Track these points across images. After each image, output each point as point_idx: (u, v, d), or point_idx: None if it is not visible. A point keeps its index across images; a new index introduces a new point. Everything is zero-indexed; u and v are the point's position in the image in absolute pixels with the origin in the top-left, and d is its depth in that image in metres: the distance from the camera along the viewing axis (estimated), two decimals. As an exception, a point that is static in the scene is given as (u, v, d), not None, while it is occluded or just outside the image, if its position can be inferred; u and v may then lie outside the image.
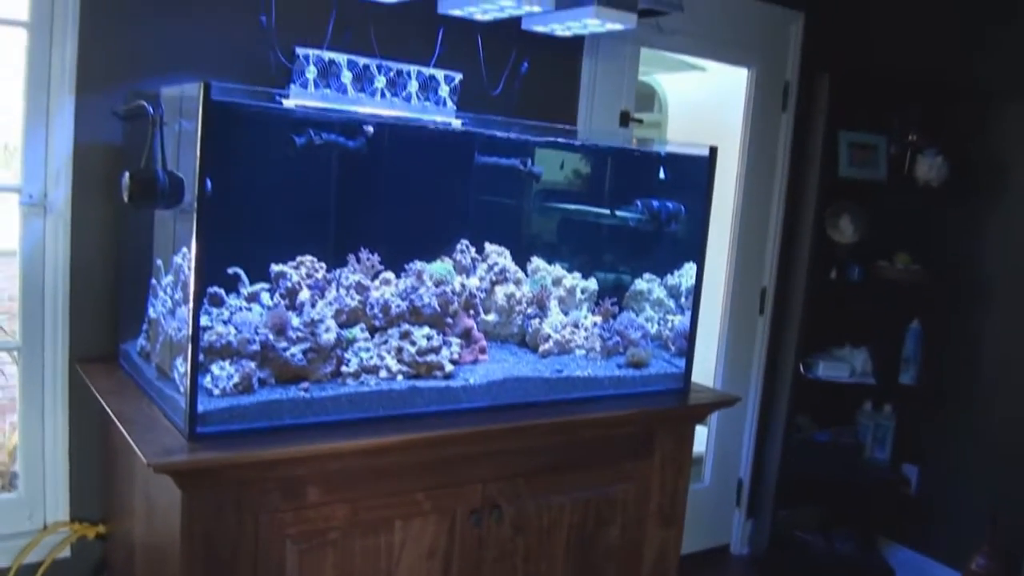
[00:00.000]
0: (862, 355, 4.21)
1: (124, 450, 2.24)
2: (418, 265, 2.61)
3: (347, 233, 2.68)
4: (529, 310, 2.78)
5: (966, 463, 3.99)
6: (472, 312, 2.61)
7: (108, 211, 2.52)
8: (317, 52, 2.55)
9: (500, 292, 2.76)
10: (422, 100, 2.74)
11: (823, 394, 4.23)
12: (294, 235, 2.56)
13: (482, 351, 2.55)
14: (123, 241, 2.54)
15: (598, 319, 2.83)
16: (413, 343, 2.34)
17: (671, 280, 3.04)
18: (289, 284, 2.39)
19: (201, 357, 2.00)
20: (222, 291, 2.29)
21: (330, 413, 2.13)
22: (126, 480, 2.35)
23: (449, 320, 2.50)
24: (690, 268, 2.91)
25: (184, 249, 2.07)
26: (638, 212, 3.09)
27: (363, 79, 2.63)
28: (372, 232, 2.69)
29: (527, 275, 2.90)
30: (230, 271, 2.36)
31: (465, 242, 2.83)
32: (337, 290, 2.42)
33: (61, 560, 2.58)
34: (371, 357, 2.29)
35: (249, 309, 2.29)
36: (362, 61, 2.61)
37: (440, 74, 2.76)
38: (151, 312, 2.31)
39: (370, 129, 2.65)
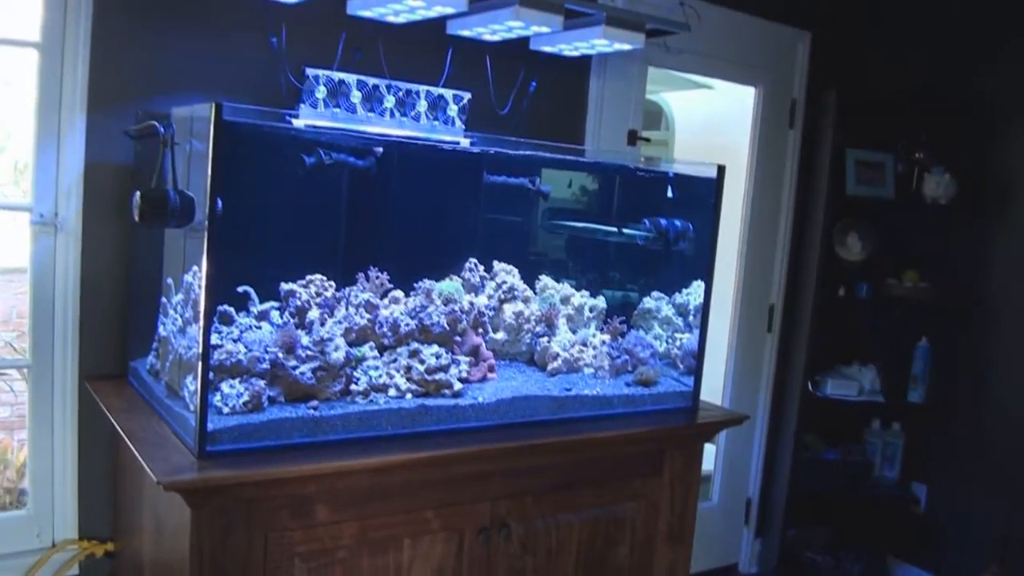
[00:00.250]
0: (870, 373, 4.20)
1: (133, 468, 2.24)
2: (427, 284, 2.61)
3: (356, 252, 2.69)
4: (537, 328, 2.78)
5: (975, 482, 3.97)
6: (481, 330, 2.61)
7: (118, 230, 2.53)
8: (327, 72, 2.57)
9: (509, 310, 2.76)
10: (431, 120, 2.75)
11: (831, 412, 4.21)
12: (304, 254, 2.56)
13: (491, 369, 2.56)
14: (133, 260, 2.55)
15: (606, 337, 2.83)
16: (422, 361, 2.34)
17: (679, 298, 3.05)
18: (299, 303, 2.40)
19: (211, 375, 2.00)
20: (232, 309, 2.29)
21: (339, 431, 2.14)
22: (135, 498, 2.36)
23: (458, 338, 2.50)
24: (698, 286, 2.92)
25: (194, 267, 2.08)
26: (646, 230, 3.10)
27: (372, 99, 2.64)
28: (381, 251, 2.69)
29: (535, 293, 2.90)
30: (240, 290, 2.37)
31: (474, 260, 2.83)
32: (346, 309, 2.43)
33: (69, 578, 2.59)
34: (380, 375, 2.29)
35: (259, 327, 2.30)
36: (371, 81, 2.62)
37: (449, 94, 2.78)
38: (161, 330, 2.32)
39: (379, 149, 2.66)
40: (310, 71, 2.55)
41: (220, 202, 1.91)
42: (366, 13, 2.61)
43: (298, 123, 2.49)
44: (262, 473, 1.93)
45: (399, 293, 2.58)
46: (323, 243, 2.69)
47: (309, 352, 2.20)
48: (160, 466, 1.87)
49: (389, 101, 2.67)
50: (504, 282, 2.80)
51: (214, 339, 2.09)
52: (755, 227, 4.10)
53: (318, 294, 2.45)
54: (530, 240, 3.20)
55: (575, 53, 2.99)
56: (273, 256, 2.53)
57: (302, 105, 2.55)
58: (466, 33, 2.81)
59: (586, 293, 2.97)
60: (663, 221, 3.07)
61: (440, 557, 2.27)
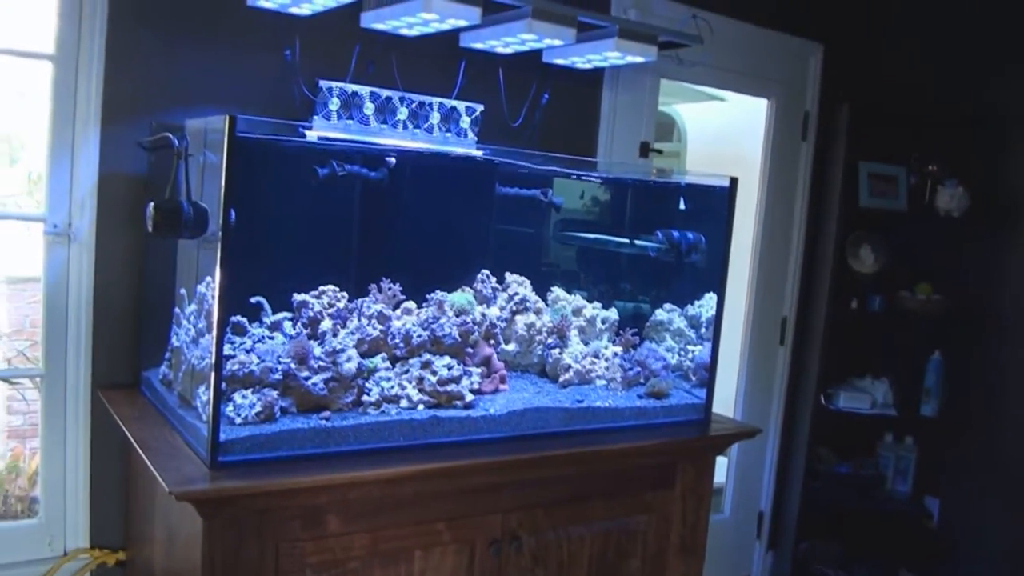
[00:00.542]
0: (883, 386, 4.19)
1: (145, 477, 2.24)
2: (439, 295, 2.62)
3: (369, 263, 2.70)
4: (549, 340, 2.78)
5: (988, 496, 3.95)
6: (492, 342, 2.61)
7: (132, 241, 2.54)
8: (340, 84, 2.58)
9: (520, 322, 2.76)
10: (443, 131, 2.76)
11: (844, 425, 4.20)
12: (316, 265, 2.57)
13: (502, 381, 2.56)
14: (146, 270, 2.56)
15: (618, 349, 2.83)
16: (434, 373, 2.35)
17: (691, 310, 3.04)
18: (311, 313, 2.40)
19: (223, 386, 2.01)
20: (245, 320, 2.30)
21: (351, 442, 2.14)
22: (147, 507, 2.36)
23: (469, 350, 2.50)
24: (711, 298, 2.91)
25: (208, 278, 2.08)
26: (658, 242, 3.10)
27: (385, 111, 2.65)
28: (394, 262, 2.70)
29: (547, 305, 2.90)
30: (253, 300, 2.37)
31: (486, 272, 2.84)
32: (359, 320, 2.43)
33: (81, 587, 2.59)
34: (392, 387, 2.29)
35: (271, 338, 2.30)
36: (385, 93, 2.63)
37: (461, 106, 2.79)
38: (174, 340, 2.33)
39: (392, 160, 2.67)
40: (324, 83, 2.57)
41: (233, 213, 1.92)
42: (380, 26, 2.62)
43: (311, 135, 2.50)
44: (274, 484, 1.93)
45: (411, 304, 2.59)
46: (336, 254, 2.70)
47: (321, 363, 2.21)
48: (172, 476, 1.87)
49: (402, 113, 2.68)
50: (516, 293, 2.81)
51: (227, 349, 2.09)
52: (767, 239, 4.09)
53: (331, 305, 2.46)
54: (542, 251, 3.20)
55: (587, 66, 2.99)
56: (286, 267, 2.54)
57: (315, 117, 2.56)
58: (479, 46, 2.82)
59: (598, 305, 2.97)
60: (675, 233, 3.07)
61: (451, 569, 2.27)
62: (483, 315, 2.64)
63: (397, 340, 2.41)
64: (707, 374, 2.79)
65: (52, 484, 2.55)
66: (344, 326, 2.41)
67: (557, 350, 2.75)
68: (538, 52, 2.94)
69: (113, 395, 2.47)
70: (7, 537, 2.53)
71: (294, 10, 2.55)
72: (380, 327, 2.41)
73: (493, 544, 2.31)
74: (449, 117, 2.78)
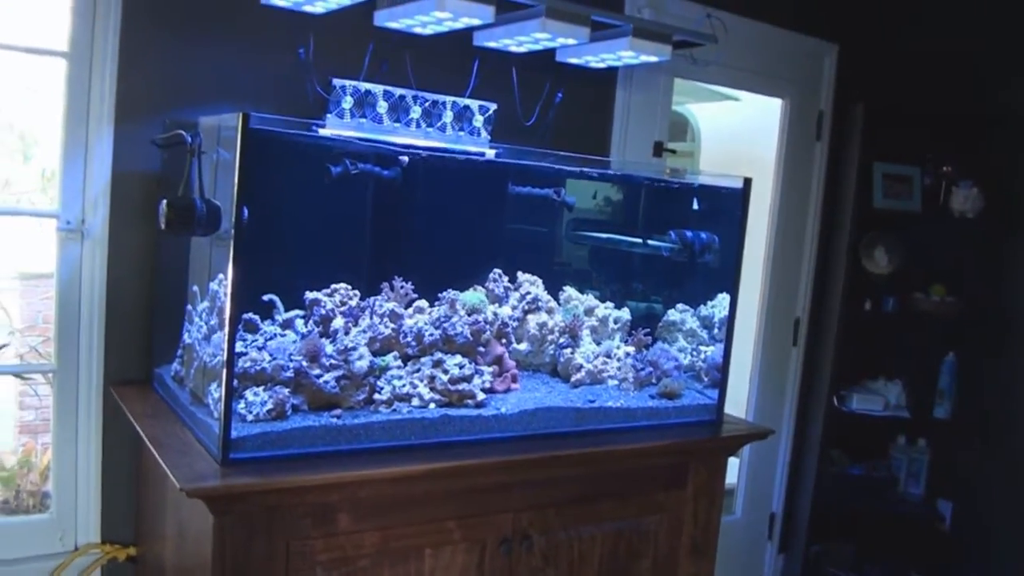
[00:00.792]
0: (896, 388, 4.18)
1: (157, 474, 2.25)
2: (451, 294, 2.61)
3: (381, 261, 2.70)
4: (561, 339, 2.77)
5: (1002, 499, 3.93)
6: (504, 341, 2.61)
7: (145, 237, 2.55)
8: (354, 83, 2.58)
9: (532, 321, 2.76)
10: (456, 130, 2.76)
11: (856, 427, 4.18)
12: (328, 263, 2.57)
13: (514, 380, 2.55)
14: (159, 267, 2.56)
15: (631, 349, 2.82)
16: (445, 371, 2.34)
17: (704, 311, 3.03)
18: (323, 311, 2.40)
19: (235, 383, 2.01)
20: (257, 318, 2.30)
21: (362, 441, 2.14)
22: (158, 504, 2.37)
23: (481, 349, 2.50)
24: (723, 299, 2.90)
25: (220, 276, 2.09)
26: (672, 242, 3.09)
27: (399, 109, 2.65)
28: (406, 261, 2.70)
29: (559, 304, 2.90)
30: (265, 298, 2.37)
31: (498, 271, 2.83)
32: (371, 318, 2.43)
33: (92, 583, 2.60)
34: (404, 385, 2.29)
35: (283, 336, 2.30)
36: (398, 91, 2.63)
37: (475, 104, 2.78)
38: (186, 337, 2.33)
39: (405, 159, 2.66)
40: (337, 81, 2.57)
41: (246, 211, 1.92)
42: (393, 24, 2.62)
43: (324, 133, 2.50)
44: (285, 481, 1.93)
45: (423, 303, 2.58)
46: (348, 252, 2.70)
47: (333, 361, 2.21)
48: (183, 472, 1.87)
49: (415, 112, 2.68)
50: (528, 293, 2.80)
51: (239, 347, 2.09)
52: (781, 240, 4.08)
53: (343, 303, 2.46)
54: (554, 251, 3.20)
55: (601, 65, 2.98)
56: (298, 265, 2.54)
57: (329, 115, 2.56)
58: (492, 44, 2.81)
59: (610, 304, 2.96)
60: (688, 233, 3.06)
61: (461, 568, 2.27)
62: (495, 314, 2.64)
63: (409, 339, 2.41)
64: (719, 375, 2.78)
65: (64, 479, 2.56)
66: (356, 324, 2.41)
67: (569, 350, 2.75)
68: (551, 51, 2.94)
69: (125, 391, 2.47)
70: (19, 532, 2.54)
71: (308, 8, 2.55)
72: (392, 325, 2.41)
73: (504, 543, 2.31)
74: (462, 116, 2.77)
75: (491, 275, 2.83)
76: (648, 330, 2.90)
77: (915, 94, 4.13)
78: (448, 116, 2.74)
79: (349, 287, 2.50)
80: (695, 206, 3.20)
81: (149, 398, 2.44)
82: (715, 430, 2.73)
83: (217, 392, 2.00)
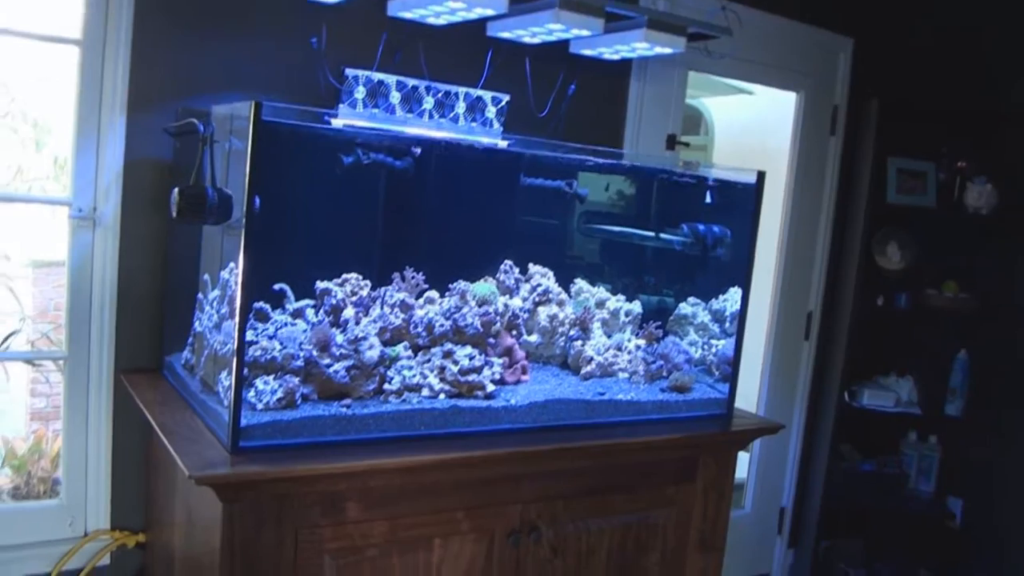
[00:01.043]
0: (908, 384, 4.16)
1: (166, 461, 2.25)
2: (462, 285, 2.61)
3: (392, 252, 2.70)
4: (572, 332, 2.77)
5: (1013, 497, 3.91)
6: (515, 333, 2.61)
7: (157, 226, 2.55)
8: (366, 73, 2.57)
9: (543, 313, 2.76)
10: (469, 121, 2.75)
11: (867, 423, 4.17)
12: (340, 253, 2.57)
13: (524, 372, 2.55)
14: (170, 256, 2.57)
15: (641, 342, 2.82)
16: (456, 362, 2.34)
17: (716, 304, 3.02)
18: (334, 301, 2.41)
19: (245, 371, 2.01)
20: (268, 307, 2.30)
21: (371, 430, 2.14)
22: (167, 491, 2.37)
23: (491, 340, 2.50)
24: (735, 293, 2.89)
25: (231, 264, 2.09)
26: (684, 235, 3.08)
27: (411, 100, 2.65)
28: (417, 251, 2.70)
29: (570, 297, 2.89)
30: (276, 287, 2.37)
31: (509, 262, 2.83)
32: (381, 308, 2.43)
33: (100, 568, 2.60)
34: (414, 375, 2.29)
35: (294, 325, 2.30)
36: (411, 82, 2.63)
37: (488, 95, 2.78)
38: (197, 326, 2.33)
39: (417, 149, 2.66)
40: (350, 71, 2.56)
41: (258, 200, 1.92)
42: (406, 14, 2.62)
43: (336, 123, 2.50)
44: (294, 470, 1.93)
45: (434, 294, 2.58)
46: (359, 242, 2.70)
47: (343, 351, 2.21)
48: (193, 460, 1.87)
49: (428, 102, 2.67)
50: (539, 285, 2.80)
51: (249, 336, 2.10)
52: (794, 234, 4.07)
53: (353, 293, 2.46)
54: (566, 243, 3.19)
55: (615, 56, 2.98)
56: (309, 254, 2.54)
57: (341, 105, 2.56)
58: (506, 35, 2.81)
59: (622, 297, 2.95)
60: (701, 226, 3.05)
61: (470, 558, 2.27)
62: (505, 306, 2.63)
63: (419, 329, 2.41)
64: (730, 369, 2.78)
65: (73, 466, 2.57)
66: (367, 314, 2.41)
67: (579, 342, 2.74)
68: (565, 42, 2.93)
69: (135, 379, 2.48)
70: (29, 517, 2.55)
71: (321, -3, 2.55)
72: (402, 316, 2.41)
73: (512, 534, 2.31)
74: (475, 107, 2.77)
75: (502, 266, 2.82)
76: (659, 323, 2.89)
77: (930, 89, 4.11)
78: (461, 107, 2.74)
79: (360, 277, 2.50)
80: (708, 199, 3.19)
81: (159, 386, 2.44)
82: (725, 424, 2.72)
83: (227, 380, 2.00)
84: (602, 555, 2.50)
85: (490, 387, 2.36)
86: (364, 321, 2.37)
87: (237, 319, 1.93)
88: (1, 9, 2.38)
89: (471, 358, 2.36)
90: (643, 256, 3.27)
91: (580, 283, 2.94)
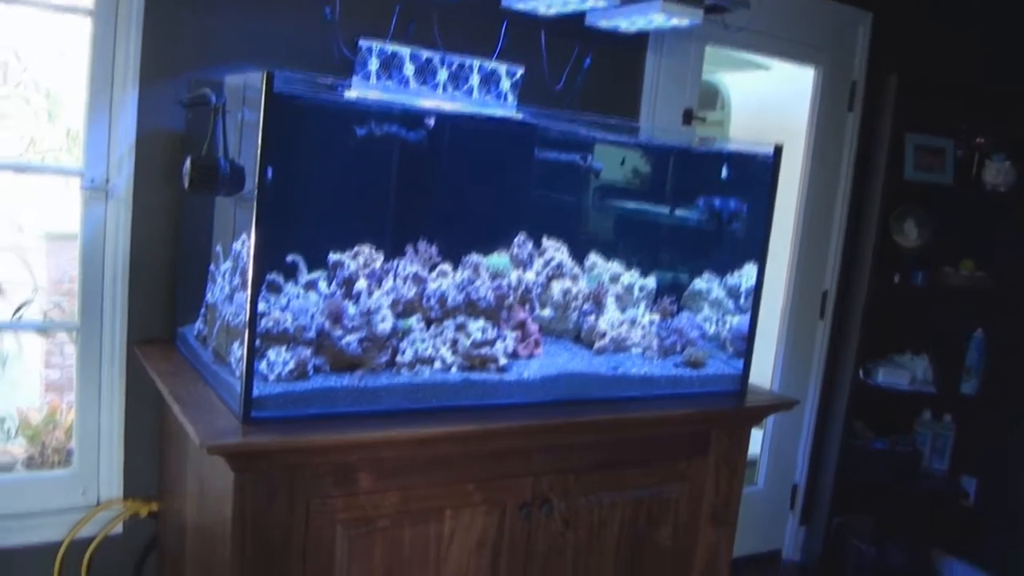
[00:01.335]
0: (923, 363, 4.14)
1: (178, 431, 2.26)
2: (475, 258, 2.60)
3: (405, 224, 2.68)
4: (585, 306, 2.76)
5: (1028, 476, 3.91)
6: (528, 306, 2.60)
7: (169, 197, 2.55)
8: (380, 44, 2.56)
9: (556, 287, 2.74)
10: (483, 94, 2.73)
11: (882, 401, 4.16)
12: (352, 225, 2.56)
13: (537, 345, 2.54)
14: (183, 227, 2.57)
15: (655, 317, 2.80)
16: (468, 335, 2.33)
17: (731, 280, 3.01)
18: (346, 273, 2.40)
19: (258, 342, 2.01)
20: (280, 278, 2.30)
21: (383, 402, 2.13)
22: (179, 461, 2.38)
23: (504, 313, 2.49)
24: (751, 269, 2.88)
25: (243, 236, 2.08)
26: (699, 211, 3.06)
27: (425, 72, 2.63)
28: (430, 224, 2.68)
29: (584, 271, 2.88)
30: (288, 259, 2.37)
31: (523, 236, 2.82)
32: (394, 280, 2.42)
33: (113, 536, 2.62)
34: (426, 348, 2.28)
35: (306, 297, 2.30)
36: (425, 54, 2.61)
37: (502, 68, 2.76)
38: (209, 297, 2.33)
39: (431, 121, 2.65)
40: (363, 42, 2.55)
41: (270, 171, 1.91)
42: (421, -16, 2.60)
43: (350, 94, 2.49)
44: (306, 440, 1.93)
45: (447, 266, 2.57)
46: (372, 214, 2.69)
47: (356, 323, 2.20)
48: (204, 429, 1.88)
49: (442, 74, 2.66)
50: (552, 259, 2.78)
51: (261, 307, 2.09)
52: (810, 211, 4.04)
53: (366, 265, 2.45)
54: (580, 217, 3.17)
55: (632, 29, 2.95)
56: (322, 226, 2.53)
57: (355, 76, 2.55)
58: (521, 7, 2.78)
59: (636, 272, 2.94)
60: (717, 202, 3.03)
61: (481, 530, 2.27)
62: (519, 279, 2.62)
63: (432, 302, 2.40)
64: (744, 345, 2.76)
65: (86, 435, 2.58)
66: (379, 286, 2.41)
67: (593, 316, 2.73)
68: (581, 14, 2.91)
69: (148, 350, 2.48)
70: (43, 485, 2.57)
71: (335, -33, 2.54)
72: (415, 288, 2.40)
73: (523, 507, 2.30)
74: (489, 79, 2.75)
75: (516, 240, 2.81)
76: (674, 298, 2.88)
77: (949, 65, 4.06)
78: (475, 79, 2.72)
79: (373, 249, 2.49)
80: (724, 174, 3.16)
81: (172, 357, 2.44)
82: (739, 400, 2.71)
83: (240, 351, 2.00)
84: (614, 528, 2.50)
85: (503, 360, 2.35)
86: (377, 293, 2.36)
87: (249, 291, 1.93)
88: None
89: (484, 331, 2.35)
90: (658, 231, 3.24)
91: (594, 258, 2.93)
